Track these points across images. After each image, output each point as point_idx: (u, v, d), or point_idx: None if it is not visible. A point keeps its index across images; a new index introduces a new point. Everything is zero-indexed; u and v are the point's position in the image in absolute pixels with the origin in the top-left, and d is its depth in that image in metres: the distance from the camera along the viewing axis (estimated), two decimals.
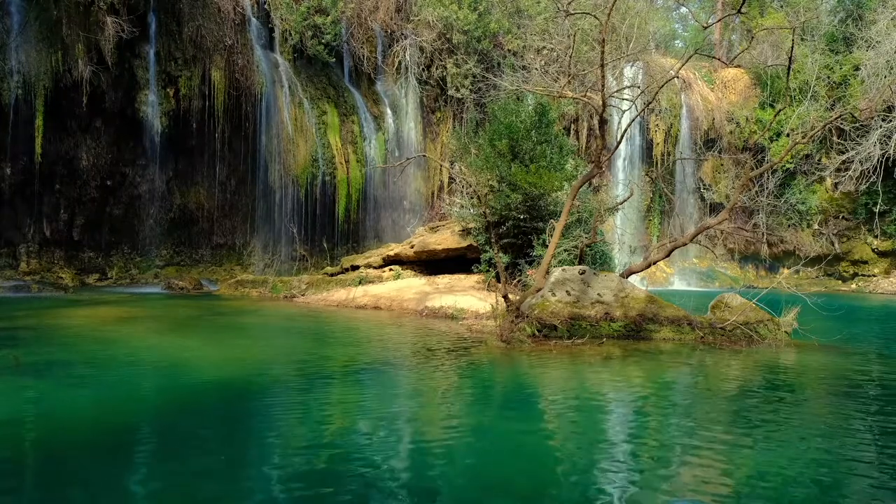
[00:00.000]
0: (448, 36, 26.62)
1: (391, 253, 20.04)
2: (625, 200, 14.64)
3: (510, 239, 16.56)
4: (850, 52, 28.52)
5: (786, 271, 26.00)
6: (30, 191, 21.03)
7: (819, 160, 28.91)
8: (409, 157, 20.48)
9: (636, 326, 11.27)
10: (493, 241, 12.63)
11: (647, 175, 30.16)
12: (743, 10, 24.01)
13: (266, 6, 24.47)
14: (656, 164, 30.09)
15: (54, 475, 4.64)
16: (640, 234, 30.37)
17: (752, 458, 5.15)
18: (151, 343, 10.66)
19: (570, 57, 16.33)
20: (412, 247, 19.52)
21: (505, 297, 11.10)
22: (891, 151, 25.34)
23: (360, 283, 19.07)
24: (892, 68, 25.98)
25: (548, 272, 11.78)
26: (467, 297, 15.39)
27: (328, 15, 24.66)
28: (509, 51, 27.61)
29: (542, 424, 6.40)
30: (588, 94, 15.51)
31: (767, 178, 21.06)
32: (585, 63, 24.21)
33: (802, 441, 5.69)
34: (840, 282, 29.42)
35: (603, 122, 12.26)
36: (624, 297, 11.76)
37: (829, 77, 28.59)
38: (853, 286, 28.71)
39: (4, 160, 20.30)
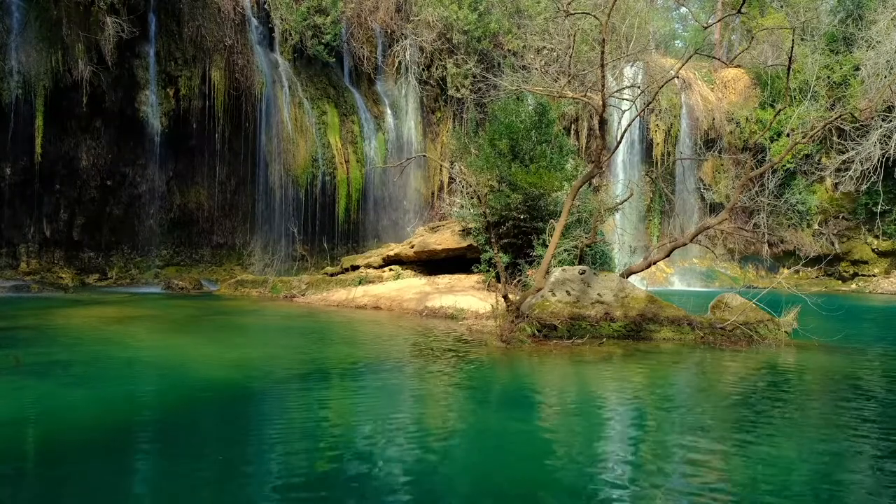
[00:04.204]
0: (448, 36, 26.62)
1: (391, 253, 20.03)
2: (625, 200, 14.64)
3: (510, 239, 16.56)
4: (850, 52, 28.53)
5: (786, 271, 26.00)
6: (30, 191, 21.02)
7: (819, 160, 28.91)
8: (409, 157, 20.50)
9: (636, 326, 11.26)
10: (493, 241, 12.62)
11: (647, 175, 30.16)
12: (743, 10, 24.01)
13: (266, 6, 24.46)
14: (656, 164, 30.09)
15: (54, 475, 4.63)
16: (640, 234, 30.37)
17: (752, 459, 5.15)
18: (151, 343, 10.65)
19: (570, 57, 16.33)
20: (412, 247, 19.51)
21: (505, 297, 11.10)
22: (891, 151, 25.34)
23: (360, 283, 19.06)
24: (892, 68, 25.98)
25: (548, 272, 11.78)
26: (467, 297, 15.38)
27: (328, 15, 24.66)
28: (509, 51, 27.61)
29: (542, 424, 6.39)
30: (588, 94, 15.49)
31: (767, 178, 21.04)
32: (585, 63, 24.21)
33: (803, 441, 5.68)
34: (840, 282, 29.42)
35: (603, 122, 12.26)
36: (624, 298, 11.76)
37: (829, 77, 28.59)
38: (853, 286, 28.71)
39: (4, 160, 20.29)
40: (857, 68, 27.81)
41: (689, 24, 44.68)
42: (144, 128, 22.08)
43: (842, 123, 25.49)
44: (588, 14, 16.64)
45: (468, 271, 17.88)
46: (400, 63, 26.92)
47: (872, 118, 26.53)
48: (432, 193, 28.01)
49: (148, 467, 5.00)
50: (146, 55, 21.72)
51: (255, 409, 6.79)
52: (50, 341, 10.21)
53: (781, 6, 31.92)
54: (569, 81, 13.91)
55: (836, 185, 28.99)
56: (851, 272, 29.53)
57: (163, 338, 11.19)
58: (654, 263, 14.43)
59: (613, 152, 16.32)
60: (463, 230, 18.50)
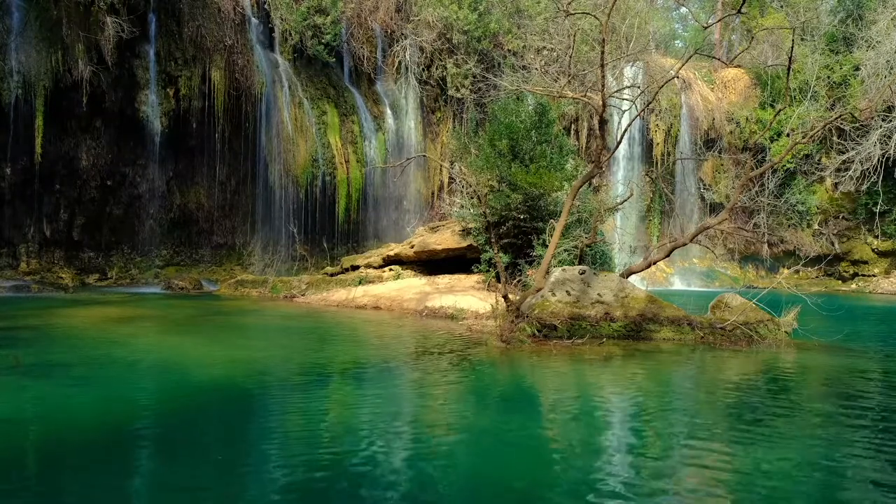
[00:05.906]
0: (448, 36, 26.62)
1: (391, 253, 20.03)
2: (625, 200, 14.64)
3: (510, 239, 16.56)
4: (850, 52, 28.54)
5: (786, 271, 25.99)
6: (30, 191, 21.01)
7: (819, 160, 28.91)
8: (409, 157, 20.49)
9: (636, 326, 11.26)
10: (493, 241, 12.62)
11: (647, 175, 30.16)
12: (743, 10, 24.01)
13: (266, 6, 24.46)
14: (656, 164, 30.09)
15: (54, 475, 4.63)
16: (640, 234, 30.37)
17: (752, 459, 5.15)
18: (151, 343, 10.65)
19: (570, 57, 16.33)
20: (412, 247, 19.51)
21: (505, 297, 11.10)
22: (891, 151, 25.34)
23: (360, 283, 19.06)
24: (892, 68, 25.98)
25: (548, 272, 11.78)
26: (467, 297, 15.38)
27: (328, 15, 24.65)
28: (509, 51, 27.60)
29: (542, 425, 6.39)
30: (588, 94, 15.49)
31: (767, 178, 21.03)
32: (585, 63, 24.21)
33: (802, 441, 5.68)
34: (840, 282, 29.41)
35: (603, 122, 12.26)
36: (624, 298, 11.76)
37: (829, 77, 28.59)
38: (853, 286, 28.71)
39: (4, 160, 20.28)
40: (857, 68, 27.81)
41: (689, 24, 44.71)
42: (144, 128, 22.08)
43: (842, 123, 25.49)
44: (588, 14, 16.65)
45: (468, 271, 17.88)
46: (400, 63, 26.92)
47: (872, 118, 26.53)
48: (432, 193, 28.00)
49: (147, 467, 5.00)
50: (146, 55, 21.71)
51: (256, 409, 6.79)
52: (50, 341, 10.21)
53: (781, 6, 31.92)
54: (569, 81, 13.91)
55: (836, 185, 28.99)
56: (851, 272, 29.53)
57: (163, 338, 11.20)
58: (654, 263, 14.42)
59: (613, 152, 16.32)
60: (463, 230, 18.50)
